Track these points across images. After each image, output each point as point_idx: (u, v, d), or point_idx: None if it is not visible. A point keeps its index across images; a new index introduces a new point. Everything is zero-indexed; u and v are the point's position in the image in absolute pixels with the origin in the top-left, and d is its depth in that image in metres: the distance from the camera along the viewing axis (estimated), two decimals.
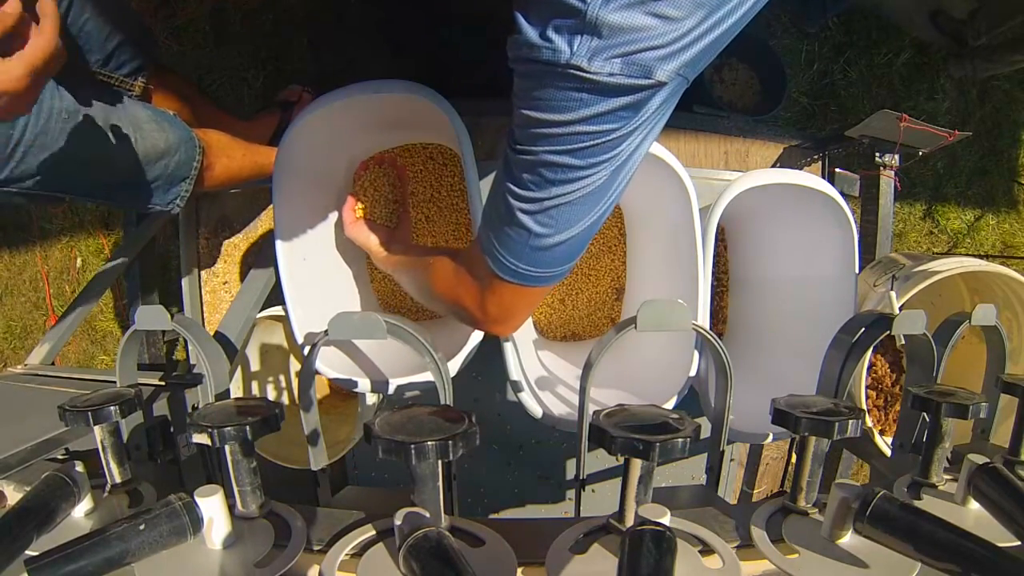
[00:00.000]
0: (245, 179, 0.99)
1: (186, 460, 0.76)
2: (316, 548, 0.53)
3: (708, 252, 0.81)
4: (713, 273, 1.06)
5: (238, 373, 1.02)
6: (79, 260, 1.88)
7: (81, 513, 0.55)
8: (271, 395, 1.09)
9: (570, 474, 1.13)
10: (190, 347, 0.72)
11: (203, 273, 1.25)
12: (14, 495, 0.58)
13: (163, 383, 0.81)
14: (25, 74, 0.45)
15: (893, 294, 0.87)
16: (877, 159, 1.15)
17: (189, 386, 0.79)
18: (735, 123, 1.24)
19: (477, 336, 0.77)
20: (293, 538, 0.51)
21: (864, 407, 1.01)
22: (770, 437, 0.81)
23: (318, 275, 0.89)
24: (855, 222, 0.84)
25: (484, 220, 0.56)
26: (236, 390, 1.01)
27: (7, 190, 0.70)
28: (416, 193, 1.01)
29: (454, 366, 0.76)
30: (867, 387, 1.10)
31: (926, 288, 0.89)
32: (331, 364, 0.76)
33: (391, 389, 0.75)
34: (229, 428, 0.48)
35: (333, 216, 0.94)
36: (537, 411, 0.80)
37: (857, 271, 0.85)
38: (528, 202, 0.49)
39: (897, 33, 1.74)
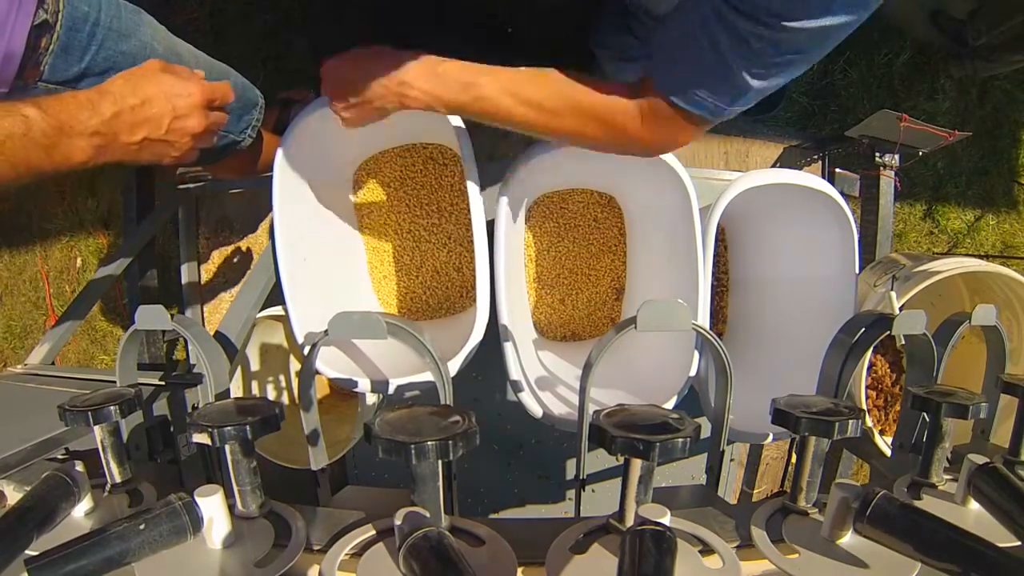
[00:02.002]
0: (259, 165, 0.97)
1: (186, 460, 0.76)
2: (316, 548, 0.53)
3: (708, 252, 0.81)
4: (713, 273, 1.06)
5: (238, 373, 1.02)
6: (79, 260, 1.88)
7: (81, 513, 0.55)
8: (271, 395, 1.09)
9: (570, 474, 1.13)
10: (190, 347, 0.72)
11: (203, 273, 1.25)
12: (14, 495, 0.58)
13: (163, 383, 0.81)
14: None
15: (893, 294, 0.87)
16: (877, 159, 1.15)
17: (189, 386, 0.79)
18: (735, 123, 1.24)
19: (477, 336, 0.77)
20: (293, 538, 0.51)
21: (864, 407, 1.01)
22: (770, 437, 0.81)
23: (318, 275, 0.89)
24: (855, 222, 0.84)
25: (665, 57, 0.60)
26: (236, 390, 1.01)
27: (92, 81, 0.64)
28: (417, 194, 1.01)
29: (454, 366, 0.76)
30: (867, 387, 1.10)
31: (926, 288, 0.89)
32: (331, 364, 0.76)
33: (391, 389, 0.75)
34: (229, 428, 0.48)
35: (333, 217, 0.94)
36: (537, 411, 0.79)
37: (857, 271, 0.85)
38: (751, 63, 0.54)
39: (897, 33, 1.74)
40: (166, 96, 0.59)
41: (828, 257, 0.88)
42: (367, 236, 1.02)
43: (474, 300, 0.78)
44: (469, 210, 0.77)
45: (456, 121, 0.78)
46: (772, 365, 0.97)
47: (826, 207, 0.84)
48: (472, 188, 0.78)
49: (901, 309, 0.83)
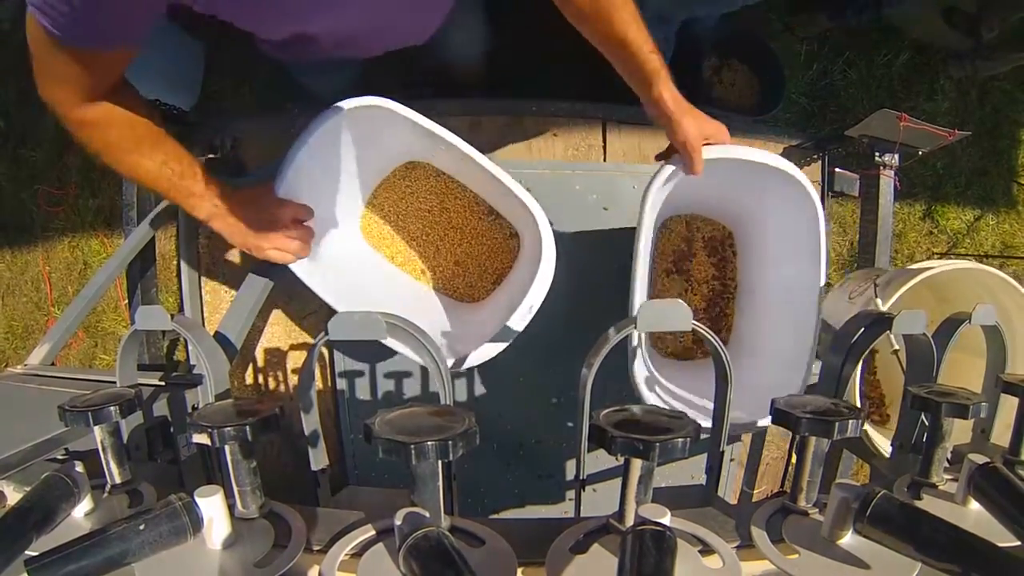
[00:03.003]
0: None
1: (186, 460, 0.76)
2: (316, 548, 0.53)
3: (645, 237, 0.80)
4: (719, 279, 1.05)
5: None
6: (80, 260, 1.88)
7: (81, 513, 0.55)
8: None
9: (570, 474, 1.13)
10: (190, 347, 0.72)
11: (203, 273, 1.25)
12: (14, 495, 0.58)
13: (163, 383, 0.82)
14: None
15: (878, 300, 0.87)
16: (877, 159, 1.15)
17: (189, 386, 0.79)
18: (735, 123, 1.23)
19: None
20: (293, 538, 0.51)
21: (864, 407, 1.01)
22: (760, 422, 0.81)
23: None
24: (821, 207, 0.83)
25: None
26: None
27: None
28: (427, 208, 1.00)
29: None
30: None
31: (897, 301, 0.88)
32: None
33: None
34: (229, 428, 0.48)
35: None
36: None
37: (823, 261, 0.84)
38: None
39: (897, 33, 1.75)
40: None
41: (801, 254, 0.87)
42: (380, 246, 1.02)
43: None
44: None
45: (425, 122, 0.79)
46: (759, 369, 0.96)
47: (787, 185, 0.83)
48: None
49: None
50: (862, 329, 0.70)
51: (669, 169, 0.79)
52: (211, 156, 1.04)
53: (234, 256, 1.25)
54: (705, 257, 1.06)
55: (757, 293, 1.00)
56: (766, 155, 0.81)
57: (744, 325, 1.03)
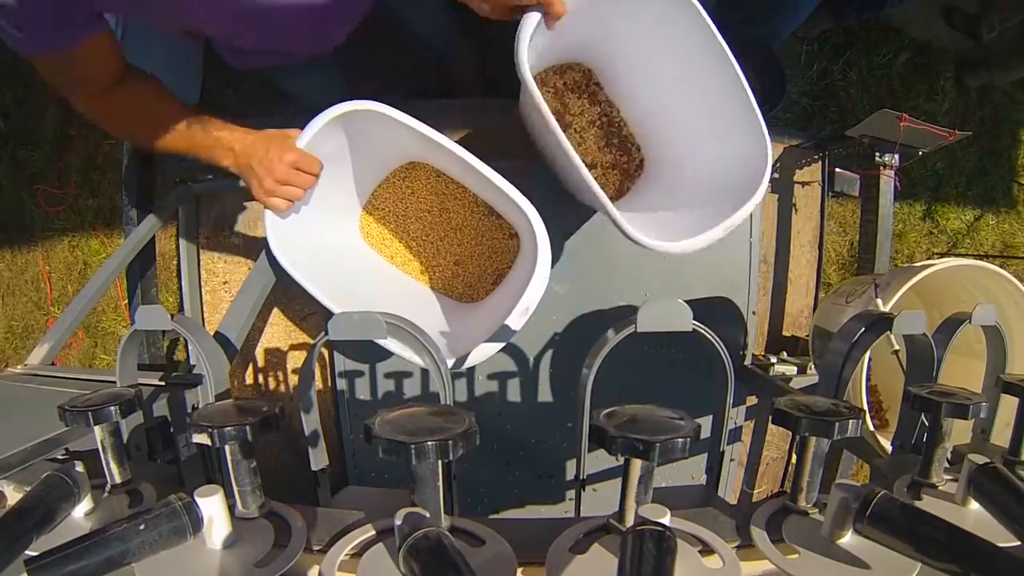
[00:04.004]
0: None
1: (186, 460, 0.76)
2: (316, 548, 0.53)
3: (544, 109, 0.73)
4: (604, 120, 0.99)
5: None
6: (80, 260, 1.88)
7: (81, 513, 0.55)
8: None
9: (570, 474, 1.13)
10: (190, 347, 0.72)
11: (203, 273, 1.25)
12: (14, 495, 0.58)
13: (163, 383, 0.82)
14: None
15: (879, 300, 0.87)
16: (877, 159, 1.15)
17: (189, 386, 0.79)
18: None
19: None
20: (293, 538, 0.51)
21: (864, 407, 1.01)
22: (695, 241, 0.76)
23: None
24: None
25: None
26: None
27: None
28: (426, 208, 1.00)
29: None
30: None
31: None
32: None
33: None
34: (229, 428, 0.48)
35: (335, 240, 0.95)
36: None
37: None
38: None
39: (897, 33, 1.74)
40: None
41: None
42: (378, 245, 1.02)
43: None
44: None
45: (420, 126, 0.78)
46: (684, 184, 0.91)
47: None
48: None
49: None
50: (862, 329, 0.70)
51: (534, 18, 0.73)
52: None
53: (234, 256, 1.25)
54: (576, 99, 1.00)
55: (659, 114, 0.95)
56: None
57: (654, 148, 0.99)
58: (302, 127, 0.80)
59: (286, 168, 0.79)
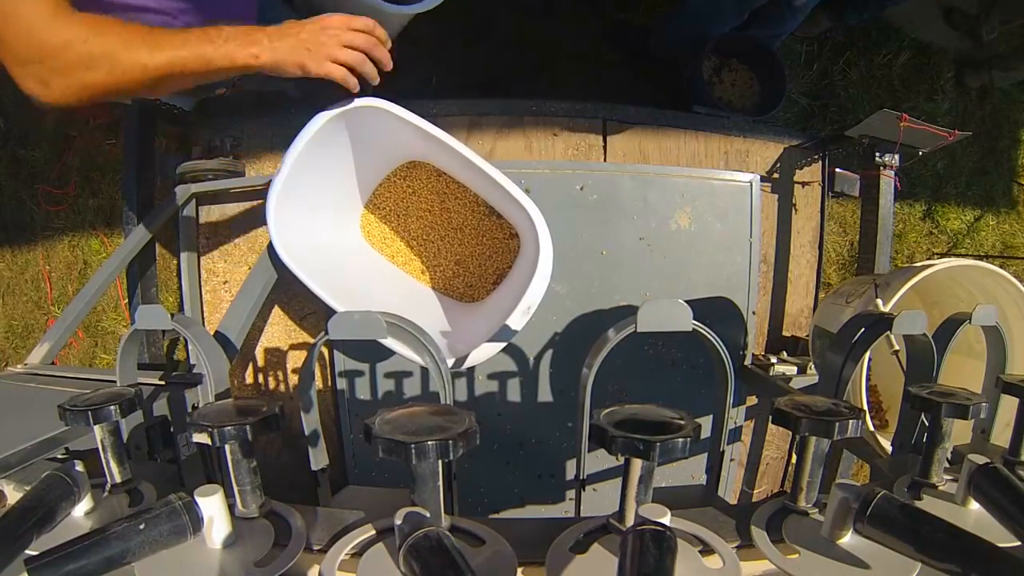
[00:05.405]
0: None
1: (186, 460, 0.76)
2: (316, 548, 0.53)
3: None
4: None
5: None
6: (80, 260, 1.88)
7: (81, 513, 0.55)
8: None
9: (570, 474, 1.13)
10: (190, 347, 0.72)
11: (203, 273, 1.25)
12: (14, 495, 0.58)
13: (163, 383, 0.82)
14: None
15: (879, 300, 0.87)
16: (877, 159, 1.15)
17: (189, 385, 0.79)
18: (735, 123, 1.24)
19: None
20: (293, 538, 0.51)
21: (864, 407, 1.00)
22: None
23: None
24: None
25: None
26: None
27: None
28: (427, 207, 1.00)
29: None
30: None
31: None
32: None
33: None
34: (229, 427, 0.48)
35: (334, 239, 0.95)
36: None
37: None
38: None
39: (897, 34, 1.75)
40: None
41: None
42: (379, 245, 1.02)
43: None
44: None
45: (422, 123, 0.78)
46: None
47: None
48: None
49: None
50: (863, 329, 0.70)
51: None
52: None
53: (234, 256, 1.25)
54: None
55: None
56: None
57: None
58: (302, 126, 0.80)
59: (349, 32, 0.70)
